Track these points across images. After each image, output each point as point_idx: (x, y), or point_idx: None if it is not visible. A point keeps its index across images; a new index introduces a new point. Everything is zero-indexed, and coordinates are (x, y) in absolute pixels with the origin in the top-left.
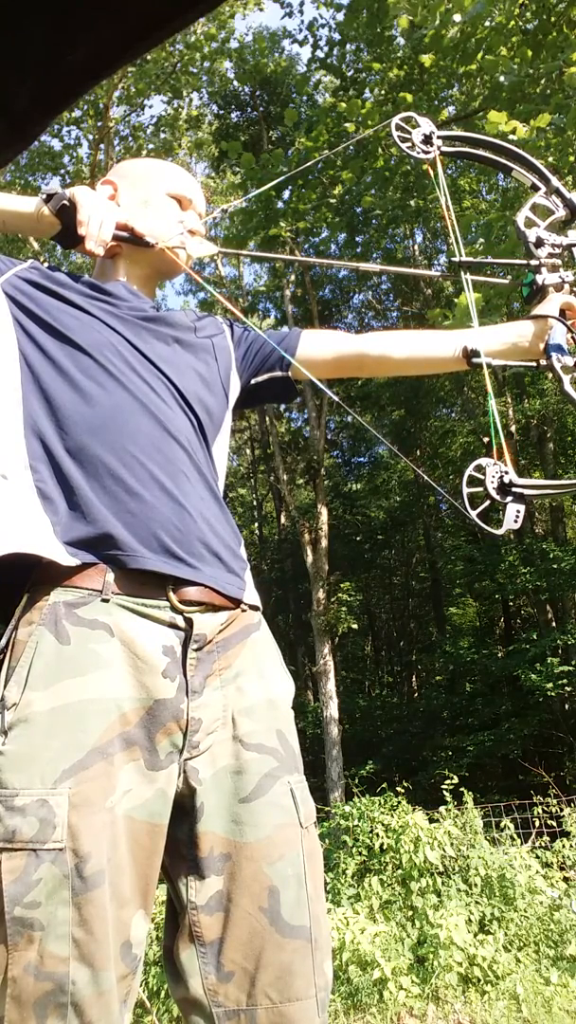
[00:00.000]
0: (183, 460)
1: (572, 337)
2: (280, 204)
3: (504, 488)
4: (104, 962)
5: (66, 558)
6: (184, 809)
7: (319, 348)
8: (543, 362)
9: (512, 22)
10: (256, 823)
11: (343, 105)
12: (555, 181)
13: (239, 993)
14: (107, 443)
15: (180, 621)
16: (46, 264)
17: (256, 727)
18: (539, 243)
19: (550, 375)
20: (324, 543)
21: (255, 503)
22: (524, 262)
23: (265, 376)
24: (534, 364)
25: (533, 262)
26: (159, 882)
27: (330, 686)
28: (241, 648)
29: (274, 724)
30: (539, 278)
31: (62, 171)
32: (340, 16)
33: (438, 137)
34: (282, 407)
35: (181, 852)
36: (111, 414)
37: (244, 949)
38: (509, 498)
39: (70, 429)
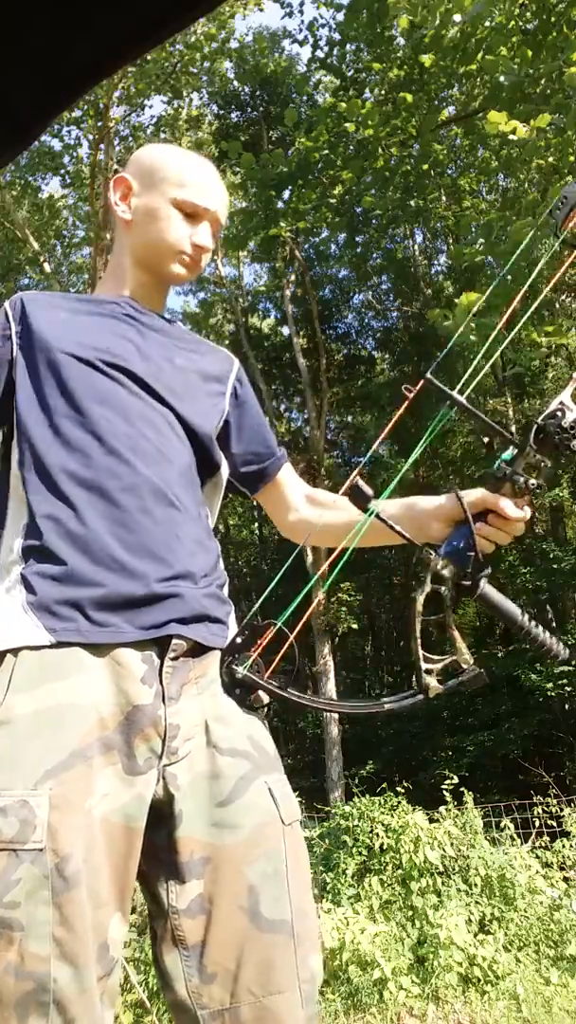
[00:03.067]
0: (177, 517)
1: (467, 546)
2: (280, 204)
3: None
4: (86, 960)
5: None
6: (162, 815)
7: (282, 499)
8: (429, 553)
9: (512, 22)
10: (235, 824)
11: (343, 105)
12: None
13: (222, 993)
14: (102, 511)
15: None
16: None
17: (229, 733)
18: (543, 433)
19: (550, 375)
20: None
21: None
22: (506, 435)
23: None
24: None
25: (517, 446)
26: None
27: (330, 686)
28: (215, 656)
29: (246, 729)
30: (508, 469)
31: (62, 171)
32: (340, 16)
33: None
34: (282, 407)
35: (160, 857)
36: (105, 479)
37: (226, 949)
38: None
39: (71, 501)
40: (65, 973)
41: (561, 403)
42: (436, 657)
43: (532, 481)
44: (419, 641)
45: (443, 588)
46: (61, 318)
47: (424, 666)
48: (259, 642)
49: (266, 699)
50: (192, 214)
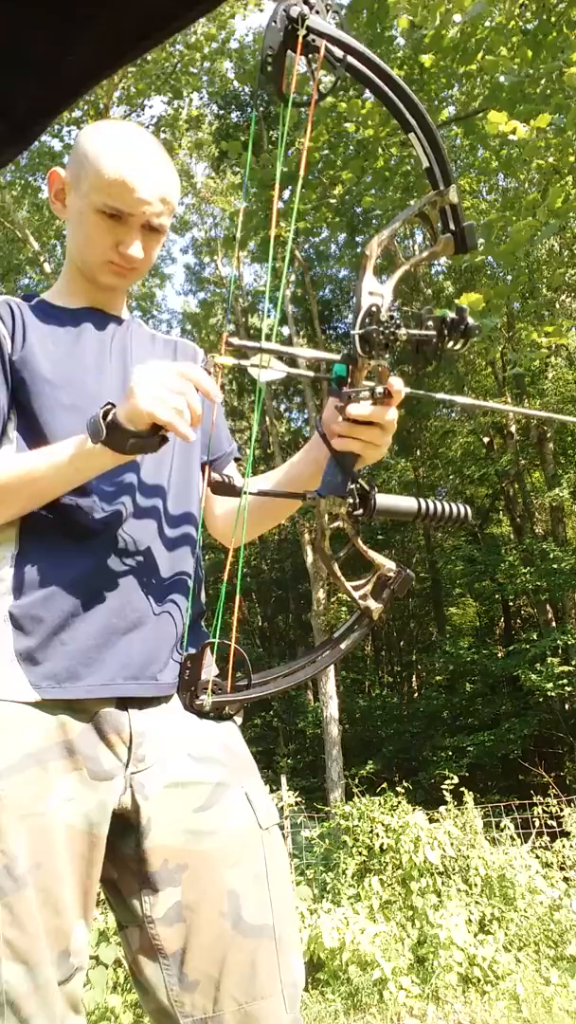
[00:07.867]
0: (159, 583)
1: (338, 473)
2: (280, 204)
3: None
4: (38, 958)
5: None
6: (129, 824)
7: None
8: (312, 498)
9: (512, 22)
10: (212, 830)
11: (343, 105)
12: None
13: (205, 1001)
14: (85, 597)
15: None
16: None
17: (203, 740)
18: (366, 340)
19: (550, 375)
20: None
21: None
22: (330, 357)
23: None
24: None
25: (350, 351)
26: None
27: (330, 686)
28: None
29: (221, 736)
30: (349, 389)
31: None
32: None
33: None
34: (282, 407)
35: (130, 867)
36: (93, 571)
37: (208, 956)
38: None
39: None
40: (16, 973)
41: (373, 304)
42: (362, 581)
43: (378, 388)
44: (342, 579)
45: (340, 523)
46: (53, 359)
47: (356, 594)
48: (207, 663)
49: (238, 707)
50: (117, 218)
